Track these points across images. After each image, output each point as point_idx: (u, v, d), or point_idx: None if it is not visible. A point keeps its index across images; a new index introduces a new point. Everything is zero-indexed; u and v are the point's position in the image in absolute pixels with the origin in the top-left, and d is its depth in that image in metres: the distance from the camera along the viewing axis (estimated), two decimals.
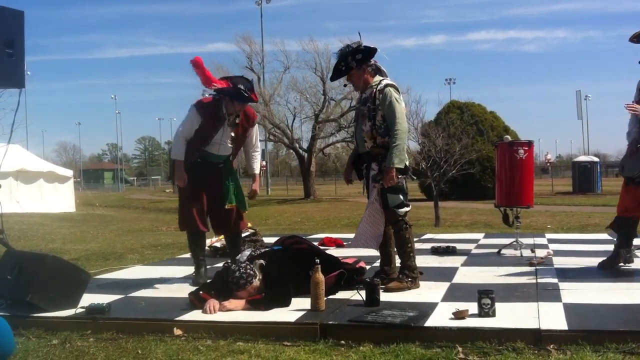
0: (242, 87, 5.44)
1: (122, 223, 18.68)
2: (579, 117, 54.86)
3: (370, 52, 5.04)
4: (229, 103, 5.50)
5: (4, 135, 5.94)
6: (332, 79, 5.33)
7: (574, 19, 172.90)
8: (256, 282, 4.65)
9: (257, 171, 5.98)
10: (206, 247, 7.37)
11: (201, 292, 4.67)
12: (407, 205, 5.11)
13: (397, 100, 4.93)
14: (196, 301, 4.62)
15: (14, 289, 4.68)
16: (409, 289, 5.00)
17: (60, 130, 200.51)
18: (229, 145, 5.65)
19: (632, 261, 5.81)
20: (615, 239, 6.07)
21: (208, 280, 5.21)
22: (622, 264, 5.77)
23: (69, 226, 16.69)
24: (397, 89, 5.03)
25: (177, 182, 5.59)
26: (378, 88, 4.99)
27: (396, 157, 4.87)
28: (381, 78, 5.09)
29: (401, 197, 5.06)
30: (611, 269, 5.72)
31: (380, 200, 5.05)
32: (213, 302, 4.47)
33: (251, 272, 4.65)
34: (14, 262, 4.84)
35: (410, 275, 5.09)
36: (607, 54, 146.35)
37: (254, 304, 4.50)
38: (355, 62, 4.98)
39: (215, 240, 7.63)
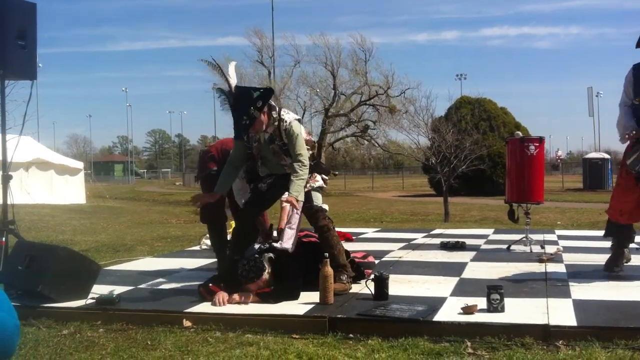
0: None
1: (132, 215, 18.75)
2: (590, 114, 54.55)
3: (268, 94, 4.68)
4: None
5: (16, 127, 5.97)
6: (238, 137, 4.82)
7: (589, 15, 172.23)
8: (265, 275, 4.66)
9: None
10: None
11: (210, 285, 4.69)
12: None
13: (299, 135, 4.75)
14: (205, 293, 4.64)
15: (25, 280, 4.71)
16: (351, 288, 4.86)
17: (71, 123, 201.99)
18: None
19: (630, 259, 5.54)
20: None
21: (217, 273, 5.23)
22: (626, 262, 5.46)
23: (80, 218, 16.77)
24: (299, 122, 4.84)
25: None
26: (283, 127, 4.73)
27: (300, 190, 4.69)
28: (276, 115, 4.75)
29: (320, 195, 5.06)
30: (592, 265, 5.51)
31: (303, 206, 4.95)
32: (222, 295, 4.48)
33: (260, 265, 4.65)
34: (24, 253, 4.88)
35: (349, 274, 4.93)
36: (620, 50, 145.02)
37: (263, 297, 4.51)
38: (257, 110, 4.60)
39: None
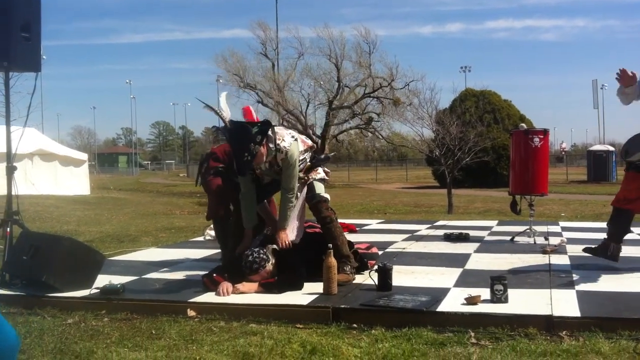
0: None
1: (136, 206, 18.78)
2: (595, 106, 54.58)
3: (266, 128, 4.68)
4: None
5: (20, 119, 5.97)
6: (242, 174, 4.85)
7: (593, 7, 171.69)
8: (269, 266, 4.68)
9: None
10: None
11: (215, 275, 4.71)
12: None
13: (294, 165, 4.79)
14: (209, 283, 4.65)
15: (30, 270, 4.73)
16: (354, 279, 4.89)
17: (75, 114, 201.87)
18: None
19: (617, 259, 5.32)
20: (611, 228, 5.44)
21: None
22: (606, 258, 5.31)
23: (84, 209, 16.80)
24: (295, 140, 4.85)
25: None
26: (280, 157, 4.78)
27: (287, 219, 4.85)
28: (272, 146, 4.74)
29: (322, 186, 5.09)
30: (595, 257, 5.36)
31: (305, 196, 5.03)
32: (226, 285, 4.50)
33: (264, 256, 4.67)
34: (29, 243, 4.89)
35: (352, 265, 4.96)
36: (625, 43, 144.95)
37: (267, 287, 4.52)
38: (257, 145, 4.60)
39: None
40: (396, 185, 37.18)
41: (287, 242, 4.81)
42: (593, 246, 5.47)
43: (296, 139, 4.89)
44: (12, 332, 1.78)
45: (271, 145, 4.74)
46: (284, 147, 4.75)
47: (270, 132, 4.74)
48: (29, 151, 21.34)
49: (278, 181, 5.03)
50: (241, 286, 4.52)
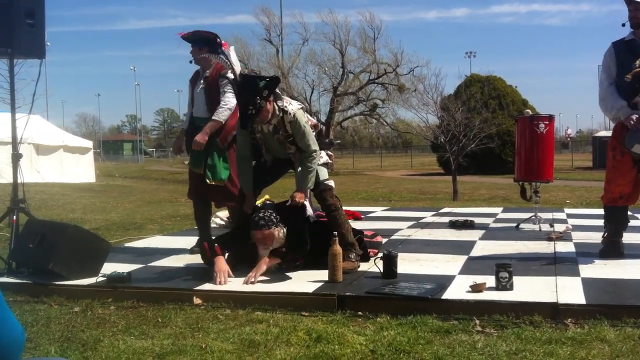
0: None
1: (141, 194, 18.80)
2: None
3: (275, 83, 4.65)
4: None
5: (25, 106, 5.95)
6: (243, 127, 4.76)
7: None
8: (275, 230, 4.63)
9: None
10: (225, 219, 7.41)
11: (216, 245, 4.73)
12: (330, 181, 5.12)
13: (305, 126, 4.76)
14: (209, 251, 4.70)
15: (36, 258, 4.75)
16: (359, 267, 4.89)
17: (80, 102, 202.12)
18: (203, 103, 5.47)
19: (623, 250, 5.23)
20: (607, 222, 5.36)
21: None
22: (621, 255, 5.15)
23: (89, 196, 16.83)
24: (303, 110, 4.85)
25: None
26: (288, 119, 4.73)
27: (310, 181, 4.82)
28: (281, 105, 4.72)
29: (326, 171, 5.10)
30: (615, 255, 5.15)
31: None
32: (224, 272, 4.49)
33: (274, 219, 4.64)
34: (35, 231, 4.91)
35: (357, 252, 4.96)
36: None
37: (276, 254, 4.61)
38: (263, 100, 4.54)
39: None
40: (401, 172, 37.15)
41: (300, 202, 4.78)
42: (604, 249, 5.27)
43: (303, 109, 4.88)
44: (17, 325, 1.79)
45: (278, 104, 4.70)
46: (292, 109, 4.72)
47: (277, 90, 4.71)
48: (34, 139, 21.36)
49: (278, 167, 5.02)
50: (253, 274, 4.47)
